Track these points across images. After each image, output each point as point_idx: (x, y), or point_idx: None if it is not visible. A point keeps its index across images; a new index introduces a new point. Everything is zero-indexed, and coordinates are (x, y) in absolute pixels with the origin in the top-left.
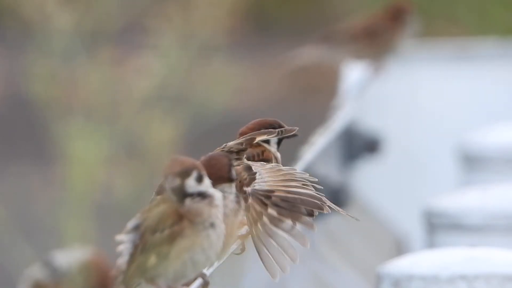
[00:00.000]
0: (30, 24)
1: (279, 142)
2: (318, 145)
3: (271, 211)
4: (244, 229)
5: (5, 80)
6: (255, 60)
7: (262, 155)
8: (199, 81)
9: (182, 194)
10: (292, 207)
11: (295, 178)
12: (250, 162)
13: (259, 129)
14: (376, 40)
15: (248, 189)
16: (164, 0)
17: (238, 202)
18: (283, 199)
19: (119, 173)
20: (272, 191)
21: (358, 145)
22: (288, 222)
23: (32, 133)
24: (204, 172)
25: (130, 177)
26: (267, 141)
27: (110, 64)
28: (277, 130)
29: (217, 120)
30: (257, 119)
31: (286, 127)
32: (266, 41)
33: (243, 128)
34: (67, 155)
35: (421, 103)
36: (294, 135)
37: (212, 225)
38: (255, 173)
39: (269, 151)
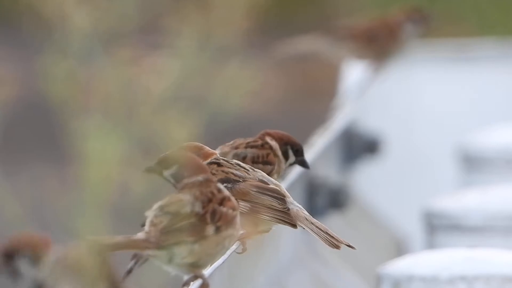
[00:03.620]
0: (48, 23)
1: (293, 161)
2: (318, 146)
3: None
4: (244, 230)
5: (22, 80)
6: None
7: (266, 157)
8: (216, 82)
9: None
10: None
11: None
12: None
13: (286, 142)
14: (374, 44)
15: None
16: (183, 0)
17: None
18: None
19: (135, 173)
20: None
21: (358, 146)
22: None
23: (48, 133)
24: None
25: (147, 177)
26: (286, 157)
27: (127, 64)
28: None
29: (233, 121)
30: (283, 133)
31: (305, 158)
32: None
33: (270, 131)
34: (84, 155)
35: (421, 103)
36: (306, 167)
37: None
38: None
39: (274, 156)
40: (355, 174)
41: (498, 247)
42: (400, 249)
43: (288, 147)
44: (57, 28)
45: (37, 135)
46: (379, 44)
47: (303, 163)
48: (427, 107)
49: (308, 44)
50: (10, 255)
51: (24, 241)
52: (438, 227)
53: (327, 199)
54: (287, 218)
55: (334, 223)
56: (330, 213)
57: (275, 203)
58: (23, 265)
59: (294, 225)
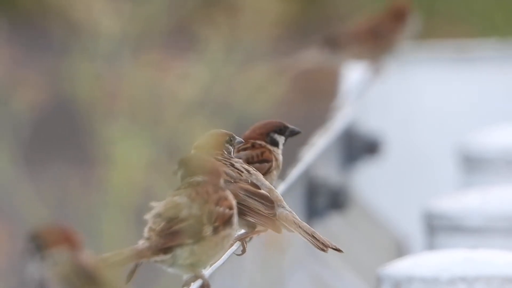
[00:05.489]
0: (77, 26)
1: (284, 141)
2: (319, 146)
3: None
4: (242, 231)
5: (50, 82)
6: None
7: (261, 156)
8: (242, 87)
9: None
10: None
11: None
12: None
13: (266, 132)
14: (379, 41)
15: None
16: (211, 6)
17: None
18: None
19: (159, 177)
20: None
21: (359, 147)
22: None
23: (74, 135)
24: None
25: (171, 181)
26: (276, 144)
27: (154, 68)
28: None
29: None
30: (262, 122)
31: (291, 127)
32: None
33: (247, 133)
34: (109, 158)
35: (422, 104)
36: (298, 133)
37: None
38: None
39: (269, 152)
40: (355, 174)
41: (498, 248)
42: (400, 250)
43: (272, 134)
44: (85, 31)
45: (62, 138)
46: (385, 40)
47: (294, 132)
48: (427, 107)
49: (312, 58)
50: (39, 242)
51: (59, 233)
52: (438, 228)
53: (327, 200)
54: (271, 225)
55: (334, 223)
56: (330, 213)
57: (261, 208)
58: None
59: (278, 231)
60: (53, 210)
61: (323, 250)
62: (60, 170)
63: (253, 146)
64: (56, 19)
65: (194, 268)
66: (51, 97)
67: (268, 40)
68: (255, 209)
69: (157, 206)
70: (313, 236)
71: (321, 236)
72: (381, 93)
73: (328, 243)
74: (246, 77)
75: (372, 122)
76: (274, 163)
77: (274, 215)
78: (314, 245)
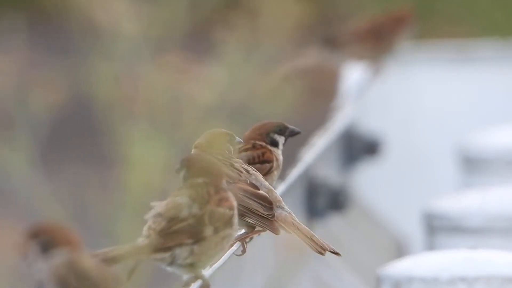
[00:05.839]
0: (96, 27)
1: (284, 141)
2: (318, 146)
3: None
4: (242, 231)
5: (68, 82)
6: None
7: (262, 156)
8: (261, 90)
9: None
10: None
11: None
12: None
13: (266, 132)
14: (380, 41)
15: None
16: (230, 8)
17: None
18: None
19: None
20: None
21: (358, 147)
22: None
23: (92, 136)
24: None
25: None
26: (276, 144)
27: (173, 71)
28: (288, 130)
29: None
30: (262, 122)
31: (291, 127)
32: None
33: (247, 133)
34: (127, 159)
35: (421, 105)
36: (298, 133)
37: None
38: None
39: (270, 153)
40: (355, 175)
41: (498, 248)
42: (400, 250)
43: (271, 134)
44: (104, 33)
45: (80, 139)
46: (385, 41)
47: (294, 133)
48: (427, 108)
49: (312, 58)
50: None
51: (53, 228)
52: (438, 228)
53: (327, 200)
54: (269, 226)
55: (334, 224)
56: (330, 214)
57: (260, 209)
58: (38, 251)
59: (276, 233)
60: (70, 210)
61: (321, 253)
62: (78, 171)
63: (254, 147)
64: (75, 20)
65: (194, 268)
66: (69, 98)
67: (288, 43)
68: (254, 210)
69: (158, 206)
70: (311, 238)
71: (319, 239)
72: (381, 93)
73: (326, 246)
74: (265, 81)
75: (372, 122)
76: (275, 164)
77: (273, 216)
78: (312, 248)
